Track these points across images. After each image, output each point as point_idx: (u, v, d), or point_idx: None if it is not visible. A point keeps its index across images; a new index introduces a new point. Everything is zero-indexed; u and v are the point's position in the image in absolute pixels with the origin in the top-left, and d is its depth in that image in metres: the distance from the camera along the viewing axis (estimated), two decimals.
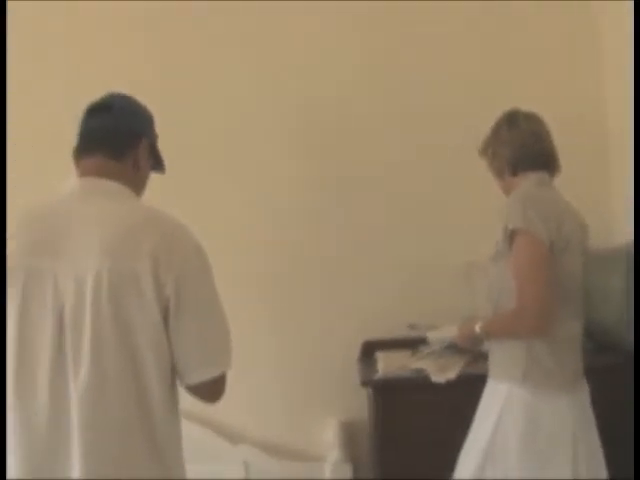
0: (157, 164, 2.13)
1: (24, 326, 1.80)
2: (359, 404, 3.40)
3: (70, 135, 2.01)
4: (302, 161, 3.61)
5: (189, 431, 3.38)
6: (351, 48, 3.57)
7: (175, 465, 1.92)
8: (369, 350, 3.44)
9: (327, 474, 3.37)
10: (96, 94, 2.05)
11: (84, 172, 1.96)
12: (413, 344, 3.23)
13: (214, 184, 3.57)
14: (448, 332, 2.79)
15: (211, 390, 1.92)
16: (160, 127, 2.14)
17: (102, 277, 1.77)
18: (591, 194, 3.46)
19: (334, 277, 3.61)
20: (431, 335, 2.95)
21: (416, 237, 3.58)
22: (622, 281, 3.04)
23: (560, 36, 3.57)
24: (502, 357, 2.49)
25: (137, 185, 2.03)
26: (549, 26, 3.57)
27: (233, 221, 3.54)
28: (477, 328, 2.52)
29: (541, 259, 2.34)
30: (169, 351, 1.83)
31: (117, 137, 1.98)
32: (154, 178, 2.14)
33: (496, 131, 2.61)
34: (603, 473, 2.50)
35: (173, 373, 1.87)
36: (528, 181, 2.51)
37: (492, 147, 2.61)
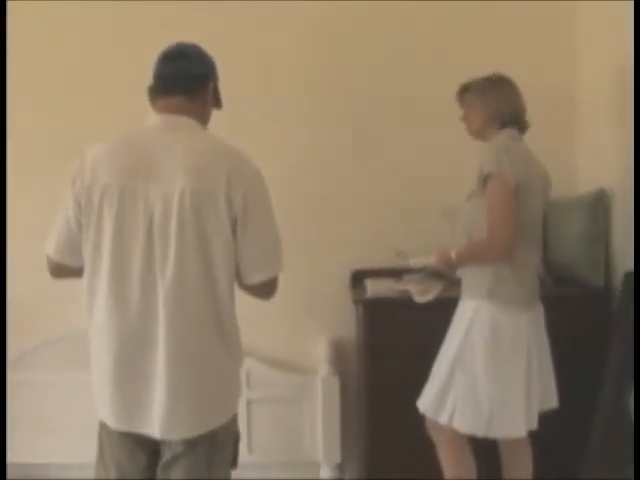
0: (217, 102, 2.44)
1: (119, 233, 2.16)
2: (347, 324, 3.82)
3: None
4: (295, 98, 3.89)
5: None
6: None
7: (238, 351, 2.32)
8: (358, 278, 3.81)
9: (318, 385, 3.80)
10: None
11: (163, 109, 2.28)
12: (398, 273, 3.60)
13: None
14: (428, 258, 3.20)
15: (267, 288, 2.32)
16: None
17: (185, 194, 2.13)
18: (558, 151, 3.84)
19: (329, 211, 3.95)
20: (413, 261, 3.33)
21: (404, 178, 3.89)
22: (579, 226, 3.48)
23: (535, 8, 3.85)
24: (472, 279, 2.97)
25: (204, 120, 2.36)
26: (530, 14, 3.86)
27: None
28: (453, 254, 2.99)
29: (509, 198, 2.81)
30: (234, 257, 2.20)
31: (192, 80, 2.30)
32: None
33: (481, 88, 3.02)
34: (551, 373, 3.00)
35: (234, 275, 2.23)
36: (503, 135, 2.97)
37: (476, 100, 3.03)
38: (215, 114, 2.48)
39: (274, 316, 3.89)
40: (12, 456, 3.82)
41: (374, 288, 3.53)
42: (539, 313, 2.99)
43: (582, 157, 3.90)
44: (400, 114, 3.91)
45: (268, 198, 2.29)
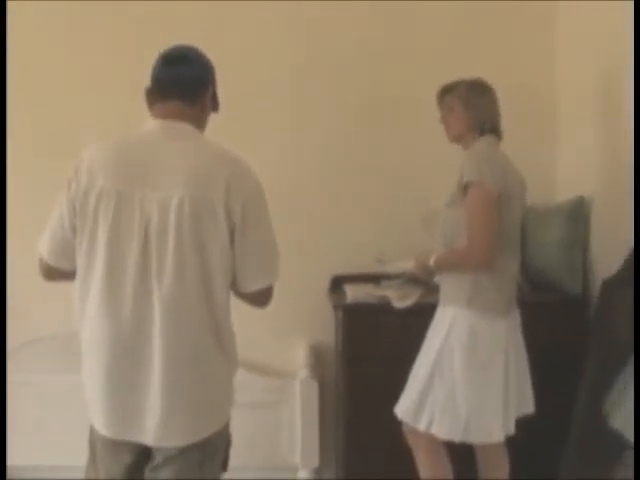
0: (215, 106, 2.41)
1: (113, 240, 2.14)
2: (326, 329, 3.84)
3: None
4: (280, 102, 3.93)
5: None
6: None
7: (234, 357, 2.32)
8: (338, 283, 3.84)
9: (297, 389, 3.82)
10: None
11: (161, 115, 2.26)
12: (377, 279, 3.65)
13: None
14: (405, 264, 3.20)
15: (263, 297, 2.32)
16: None
17: (184, 202, 2.12)
18: (538, 157, 3.88)
19: (309, 216, 3.97)
20: (390, 266, 3.34)
21: (386, 183, 3.93)
22: (558, 232, 3.51)
23: (515, 8, 3.90)
24: (451, 286, 2.99)
25: (202, 125, 2.34)
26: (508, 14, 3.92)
27: None
28: (431, 261, 3.01)
29: (490, 207, 2.83)
30: (231, 265, 2.19)
31: (191, 85, 2.28)
32: None
33: (465, 94, 3.02)
34: (528, 379, 3.03)
35: (230, 283, 2.23)
36: (482, 142, 2.99)
37: (458, 106, 3.02)
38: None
39: (253, 320, 3.76)
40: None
41: (353, 293, 3.55)
42: (516, 319, 3.02)
43: (562, 164, 3.94)
44: (383, 119, 3.96)
45: (267, 207, 2.28)
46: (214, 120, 2.62)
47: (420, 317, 3.09)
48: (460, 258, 2.94)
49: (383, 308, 3.38)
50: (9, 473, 3.66)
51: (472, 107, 3.01)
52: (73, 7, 3.85)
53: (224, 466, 2.40)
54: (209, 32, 3.65)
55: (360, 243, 3.89)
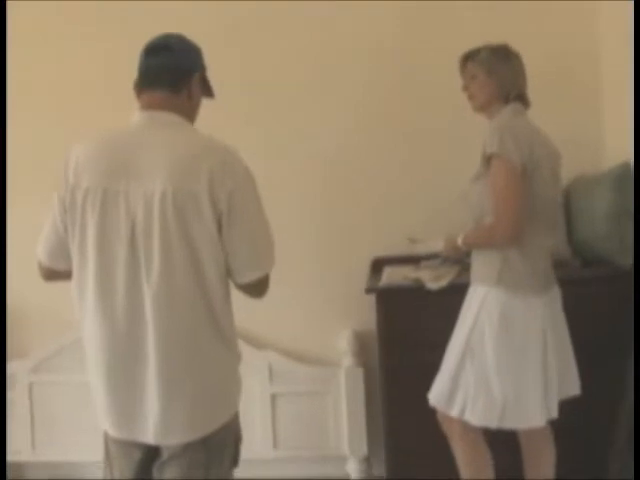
0: (208, 92, 2.39)
1: (102, 238, 2.12)
2: (369, 314, 3.64)
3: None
4: (314, 91, 3.86)
5: None
6: None
7: (236, 347, 2.29)
8: (378, 266, 3.74)
9: (342, 377, 3.75)
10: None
11: (146, 105, 2.22)
12: (417, 260, 3.52)
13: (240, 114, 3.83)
14: (434, 245, 3.09)
15: (258, 287, 2.27)
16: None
17: (167, 195, 2.07)
18: (583, 124, 3.72)
19: (348, 199, 3.88)
20: (421, 247, 3.25)
21: (424, 165, 3.81)
22: (604, 203, 3.31)
23: None
24: (481, 264, 2.85)
25: (191, 113, 2.32)
26: None
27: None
28: (459, 240, 2.87)
29: (514, 180, 2.68)
30: (223, 256, 2.16)
31: (175, 74, 2.24)
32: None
33: (488, 61, 2.86)
34: (571, 359, 2.87)
35: (226, 273, 2.20)
36: (507, 110, 2.83)
37: (480, 73, 2.87)
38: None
39: (294, 308, 3.91)
40: (37, 455, 3.89)
41: (389, 277, 3.46)
42: (554, 297, 2.86)
43: (609, 128, 3.74)
44: (417, 102, 3.84)
45: (256, 196, 2.21)
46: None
47: (457, 297, 2.95)
48: (486, 234, 2.80)
49: (418, 290, 3.26)
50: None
51: (496, 73, 2.85)
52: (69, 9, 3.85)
53: (235, 462, 2.33)
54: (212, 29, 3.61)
55: (401, 224, 3.75)
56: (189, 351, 2.16)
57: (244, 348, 3.83)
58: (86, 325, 2.22)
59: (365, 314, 3.71)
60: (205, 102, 2.43)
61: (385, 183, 3.88)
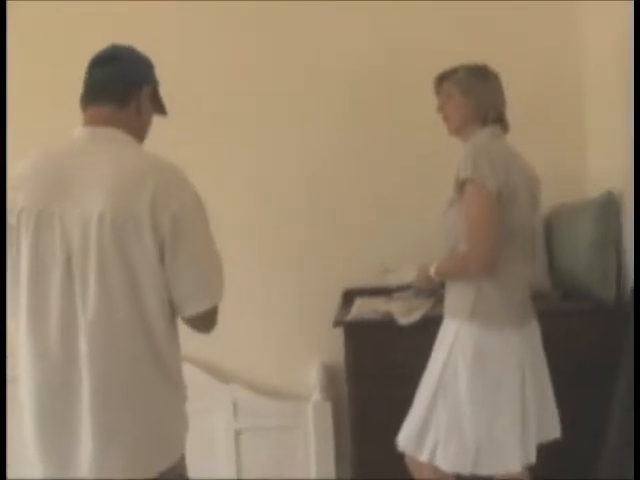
0: (159, 108, 2.25)
1: (36, 262, 1.94)
2: (342, 348, 3.54)
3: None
4: (280, 120, 3.74)
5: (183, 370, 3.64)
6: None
7: (180, 384, 2.10)
8: (350, 297, 3.59)
9: (310, 412, 3.58)
10: None
11: (90, 120, 2.07)
12: (390, 291, 3.37)
13: (211, 139, 3.74)
14: (406, 275, 2.92)
15: (204, 321, 2.08)
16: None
17: (106, 216, 1.89)
18: (567, 150, 3.60)
19: (321, 229, 3.75)
20: (392, 277, 3.09)
21: (398, 194, 3.70)
22: (586, 233, 3.17)
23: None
24: (454, 296, 2.67)
25: (140, 130, 2.15)
26: None
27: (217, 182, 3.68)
28: (432, 270, 2.70)
29: (489, 206, 2.51)
30: (167, 285, 1.97)
31: (121, 86, 2.08)
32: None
33: (464, 80, 2.70)
34: (551, 399, 2.69)
35: (171, 304, 2.02)
36: (483, 133, 2.66)
37: (456, 93, 2.70)
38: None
39: (262, 339, 3.78)
40: None
41: (358, 309, 3.32)
42: (532, 331, 2.69)
43: (592, 157, 3.61)
44: (393, 132, 3.73)
45: (204, 221, 2.03)
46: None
47: (430, 330, 2.77)
48: (460, 263, 2.64)
49: (387, 324, 3.11)
50: None
51: (472, 93, 2.69)
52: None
53: None
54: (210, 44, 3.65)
55: (375, 255, 3.60)
56: (128, 389, 1.97)
57: (207, 381, 3.70)
58: (20, 358, 2.03)
59: (335, 347, 3.52)
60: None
61: (357, 211, 3.76)
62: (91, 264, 1.92)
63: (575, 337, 3.11)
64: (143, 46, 2.20)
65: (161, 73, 2.24)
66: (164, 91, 2.27)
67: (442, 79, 2.76)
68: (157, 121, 2.26)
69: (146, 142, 2.22)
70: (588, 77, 3.57)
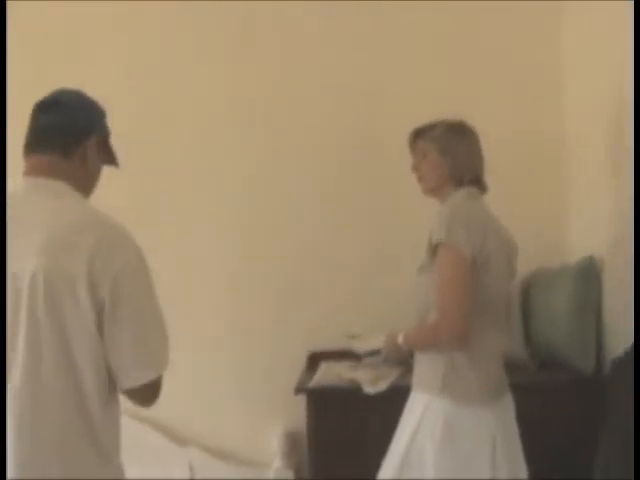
0: (110, 159, 2.09)
1: None
2: (303, 413, 3.39)
3: None
4: (254, 164, 3.64)
5: (135, 431, 3.46)
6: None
7: (117, 463, 1.91)
8: (316, 361, 3.43)
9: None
10: None
11: (30, 170, 1.93)
12: (357, 356, 3.15)
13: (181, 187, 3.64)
14: (374, 342, 2.77)
15: (145, 394, 1.89)
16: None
17: (38, 276, 1.74)
18: (547, 211, 3.50)
19: (284, 289, 3.64)
20: (359, 344, 2.93)
21: (367, 245, 3.59)
22: (564, 302, 3.05)
23: (521, 43, 3.55)
24: (424, 368, 2.50)
25: (85, 182, 1.99)
26: (511, 33, 3.55)
27: (190, 224, 3.62)
28: (400, 339, 2.53)
29: (461, 273, 2.34)
30: (104, 352, 1.80)
31: (63, 134, 1.94)
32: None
33: (442, 137, 2.55)
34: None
35: (108, 374, 1.84)
36: (460, 194, 2.51)
37: (431, 152, 2.55)
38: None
39: (222, 401, 3.63)
40: None
41: (322, 375, 3.16)
42: (507, 406, 2.51)
43: (573, 220, 3.50)
44: (362, 192, 3.63)
45: (148, 282, 1.86)
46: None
47: (397, 401, 2.59)
48: (430, 333, 2.47)
49: (352, 393, 2.94)
50: None
51: (450, 152, 2.53)
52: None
53: None
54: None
55: (340, 318, 3.51)
56: (56, 466, 1.79)
57: (162, 443, 3.50)
58: None
59: (299, 412, 3.33)
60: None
61: (325, 273, 3.65)
62: (21, 328, 1.75)
63: (551, 410, 2.96)
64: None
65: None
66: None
67: (417, 135, 2.61)
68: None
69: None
70: (570, 136, 3.47)
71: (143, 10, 3.58)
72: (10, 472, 1.77)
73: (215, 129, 3.64)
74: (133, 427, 3.45)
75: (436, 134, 2.57)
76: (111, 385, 1.85)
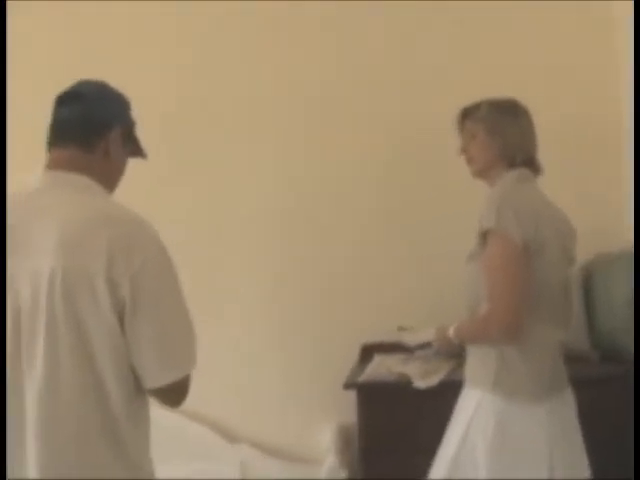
0: (136, 150, 2.02)
1: None
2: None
3: None
4: (298, 162, 3.57)
5: (187, 429, 3.42)
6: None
7: (142, 465, 1.84)
8: (369, 353, 3.32)
9: (322, 478, 3.29)
10: None
11: (51, 165, 1.87)
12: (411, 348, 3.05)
13: (222, 183, 3.58)
14: (424, 335, 2.64)
15: (172, 394, 1.82)
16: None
17: (56, 275, 1.68)
18: (604, 198, 3.36)
19: (335, 279, 3.54)
20: (409, 337, 2.81)
21: (418, 236, 3.47)
22: (625, 288, 2.87)
23: (574, 30, 3.41)
24: (475, 362, 2.38)
25: (109, 176, 1.93)
26: (563, 21, 3.41)
27: (236, 224, 3.56)
28: (450, 332, 2.41)
29: (513, 262, 2.21)
30: (127, 352, 1.74)
31: (85, 127, 1.88)
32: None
33: (489, 117, 2.42)
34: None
35: (132, 373, 1.77)
36: (510, 177, 2.37)
37: (480, 132, 2.42)
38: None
39: (273, 396, 3.55)
40: None
41: (372, 369, 3.07)
42: (565, 402, 2.37)
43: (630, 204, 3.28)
44: (406, 182, 3.53)
45: (171, 279, 1.78)
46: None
47: (446, 396, 2.49)
48: (479, 328, 2.34)
49: (402, 387, 2.85)
50: None
51: (499, 132, 2.39)
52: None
53: None
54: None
55: (395, 307, 3.40)
56: (77, 469, 1.72)
57: (213, 440, 3.44)
58: None
59: (352, 407, 3.25)
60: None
61: (377, 259, 3.55)
62: (40, 327, 1.69)
63: (614, 403, 2.84)
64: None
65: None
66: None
67: (465, 116, 2.48)
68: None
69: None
70: (628, 119, 3.26)
71: (189, 9, 3.53)
72: (32, 474, 1.72)
73: (260, 126, 3.57)
74: (183, 424, 3.42)
75: (483, 113, 2.43)
76: (137, 385, 1.78)
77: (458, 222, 3.13)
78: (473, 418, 2.29)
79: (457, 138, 2.53)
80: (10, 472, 1.75)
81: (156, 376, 1.75)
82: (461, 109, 2.51)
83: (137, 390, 1.78)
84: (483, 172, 2.45)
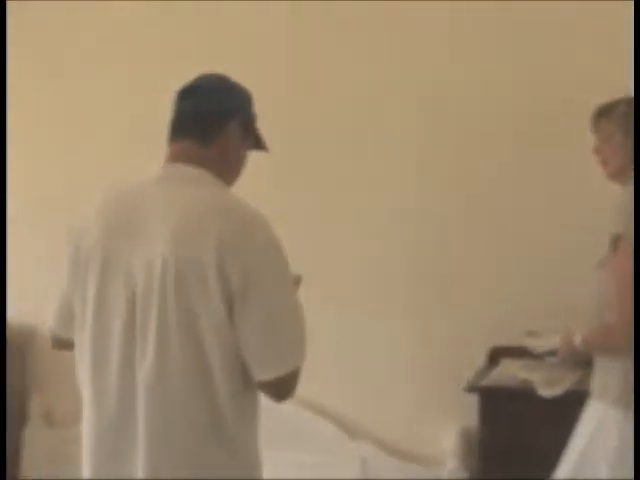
0: (257, 144, 2.01)
1: (100, 307, 1.79)
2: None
3: None
4: (423, 162, 3.51)
5: (307, 421, 3.43)
6: None
7: (249, 459, 1.84)
8: (497, 356, 3.23)
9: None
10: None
11: (170, 158, 1.89)
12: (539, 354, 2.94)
13: (346, 185, 3.58)
14: (549, 342, 2.55)
15: (278, 388, 1.80)
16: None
17: (168, 264, 1.70)
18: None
19: (465, 279, 3.45)
20: (532, 343, 2.70)
21: (549, 235, 3.34)
22: None
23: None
24: (601, 374, 2.28)
25: (227, 169, 1.92)
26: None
27: (364, 226, 3.56)
28: (578, 339, 2.30)
29: None
30: (235, 343, 1.73)
31: (201, 120, 1.88)
32: None
33: (627, 117, 2.29)
34: None
35: (240, 365, 1.77)
36: None
37: (618, 132, 2.30)
38: None
39: (398, 394, 3.50)
40: None
41: (497, 373, 3.00)
42: None
43: None
44: (535, 184, 3.39)
45: (282, 274, 1.78)
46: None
47: (571, 406, 2.40)
48: (608, 337, 2.22)
49: (526, 394, 2.75)
50: None
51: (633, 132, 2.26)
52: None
53: None
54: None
55: (526, 310, 3.25)
56: (183, 458, 1.74)
57: (334, 434, 3.43)
58: (84, 404, 1.87)
59: (475, 411, 3.19)
60: None
61: (512, 263, 3.41)
62: (152, 316, 1.72)
63: None
64: None
65: None
66: None
67: (601, 115, 2.36)
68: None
69: None
70: None
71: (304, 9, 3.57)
72: (140, 474, 1.75)
73: (379, 126, 3.55)
74: (306, 416, 3.43)
75: (620, 113, 2.32)
76: (245, 382, 1.77)
77: (594, 227, 3.02)
78: (595, 432, 2.19)
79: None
80: (114, 470, 1.79)
81: (263, 369, 1.73)
82: (596, 108, 2.39)
83: (245, 387, 1.77)
84: (617, 174, 2.33)
